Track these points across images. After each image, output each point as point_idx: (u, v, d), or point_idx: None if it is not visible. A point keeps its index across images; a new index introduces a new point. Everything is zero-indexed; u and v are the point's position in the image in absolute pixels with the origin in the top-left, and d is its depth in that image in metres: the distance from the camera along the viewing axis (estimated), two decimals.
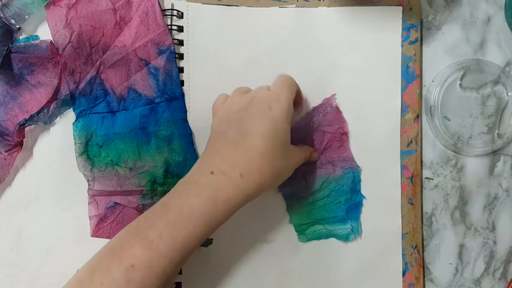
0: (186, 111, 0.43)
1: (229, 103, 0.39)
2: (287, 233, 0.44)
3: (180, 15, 0.44)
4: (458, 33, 0.46)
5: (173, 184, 0.42)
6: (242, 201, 0.35)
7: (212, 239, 0.43)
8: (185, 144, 0.43)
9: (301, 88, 0.44)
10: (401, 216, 0.44)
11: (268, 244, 0.44)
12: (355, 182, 0.44)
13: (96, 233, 0.42)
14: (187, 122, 0.43)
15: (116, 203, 0.42)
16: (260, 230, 0.44)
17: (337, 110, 0.44)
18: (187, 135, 0.43)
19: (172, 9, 0.43)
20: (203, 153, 0.37)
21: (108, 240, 0.36)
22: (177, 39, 0.44)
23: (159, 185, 0.42)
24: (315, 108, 0.44)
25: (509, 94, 0.45)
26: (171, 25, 0.43)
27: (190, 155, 0.43)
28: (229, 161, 0.35)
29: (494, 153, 0.46)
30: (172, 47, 0.43)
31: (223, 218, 0.35)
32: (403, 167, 0.45)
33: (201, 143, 0.44)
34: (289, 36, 0.45)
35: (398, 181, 0.44)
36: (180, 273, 0.43)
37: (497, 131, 0.46)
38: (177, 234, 0.33)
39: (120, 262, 0.32)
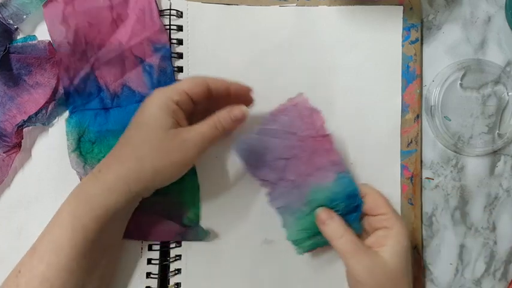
0: None
1: None
2: None
3: (180, 15, 0.43)
4: (459, 33, 0.46)
5: None
6: (107, 198, 0.35)
7: (208, 231, 0.43)
8: None
9: (300, 88, 0.44)
10: (401, 217, 0.44)
11: (268, 244, 0.44)
12: (351, 186, 0.39)
13: None
14: None
15: None
16: (260, 230, 0.44)
17: (313, 110, 0.39)
18: None
19: (171, 9, 0.43)
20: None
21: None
22: (176, 39, 0.43)
23: None
24: (283, 110, 0.40)
25: (509, 94, 0.45)
26: (170, 24, 0.43)
27: None
28: (103, 160, 0.37)
29: (495, 153, 0.46)
30: (167, 45, 0.42)
31: (90, 219, 0.34)
32: (403, 167, 0.45)
33: None
34: (289, 35, 0.44)
35: (398, 181, 0.44)
36: (180, 273, 0.43)
37: (497, 131, 0.45)
38: (51, 237, 0.34)
39: (14, 269, 0.35)
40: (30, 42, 0.42)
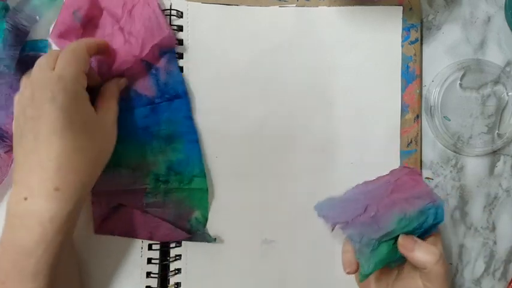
0: (190, 109, 0.43)
1: (19, 96, 0.35)
2: (287, 233, 0.44)
3: (180, 15, 0.43)
4: (458, 33, 0.46)
5: (176, 181, 0.42)
6: (71, 209, 0.33)
7: (215, 238, 0.43)
8: (187, 143, 0.43)
9: (300, 88, 0.44)
10: None
11: (268, 244, 0.44)
12: (439, 218, 0.37)
13: (100, 230, 0.42)
14: (191, 120, 0.43)
15: (120, 203, 0.42)
16: (260, 230, 0.44)
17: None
18: (190, 134, 0.43)
19: (172, 9, 0.43)
20: (14, 171, 0.34)
21: (111, 236, 0.41)
22: (176, 39, 0.43)
23: (162, 183, 0.42)
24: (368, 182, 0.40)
25: (509, 94, 0.46)
26: (171, 24, 0.43)
27: (193, 153, 0.43)
28: (37, 179, 0.32)
29: (494, 153, 0.46)
30: (173, 48, 0.42)
31: (61, 234, 0.33)
32: None
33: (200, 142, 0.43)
34: (289, 35, 0.44)
35: None
36: (180, 272, 0.43)
37: (497, 131, 0.46)
38: (22, 270, 0.32)
39: None
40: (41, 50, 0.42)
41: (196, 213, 0.43)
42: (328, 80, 0.45)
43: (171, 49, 0.42)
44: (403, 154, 0.45)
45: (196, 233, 0.43)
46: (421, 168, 0.45)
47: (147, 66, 0.42)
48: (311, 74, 0.44)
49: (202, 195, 0.43)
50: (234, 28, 0.44)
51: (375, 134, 0.45)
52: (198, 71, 0.44)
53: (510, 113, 0.46)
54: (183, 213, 0.43)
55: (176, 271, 0.43)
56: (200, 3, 0.44)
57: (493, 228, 0.46)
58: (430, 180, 0.45)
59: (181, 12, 0.43)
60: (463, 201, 0.46)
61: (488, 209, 0.46)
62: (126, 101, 0.42)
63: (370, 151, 0.45)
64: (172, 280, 0.43)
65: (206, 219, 0.43)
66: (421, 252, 0.35)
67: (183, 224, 0.42)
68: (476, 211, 0.46)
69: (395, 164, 0.44)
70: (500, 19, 0.46)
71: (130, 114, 0.42)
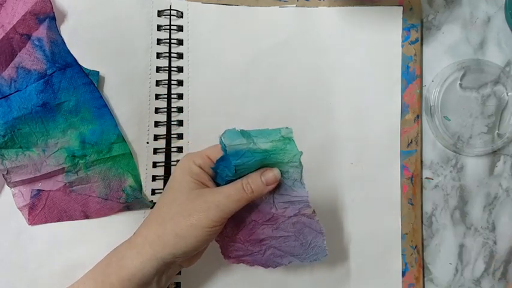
0: (86, 75, 0.41)
1: None
2: None
3: (180, 15, 0.44)
4: (458, 33, 0.46)
5: (94, 153, 0.41)
6: (134, 261, 0.34)
7: (152, 200, 0.42)
8: (96, 110, 0.41)
9: (300, 88, 0.44)
10: (401, 217, 0.44)
11: None
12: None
13: (33, 221, 0.41)
14: (92, 85, 0.41)
15: (39, 189, 0.41)
16: None
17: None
18: (95, 99, 0.41)
19: (172, 9, 0.43)
20: None
21: (47, 224, 0.41)
22: (176, 39, 0.44)
23: (80, 158, 0.41)
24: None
25: (509, 94, 0.46)
26: (171, 25, 0.43)
27: (105, 120, 0.41)
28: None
29: (494, 153, 0.46)
30: (51, 13, 0.40)
31: (117, 279, 0.34)
32: (403, 167, 0.45)
33: (197, 142, 0.43)
34: (289, 36, 0.45)
35: (398, 181, 0.45)
36: (180, 273, 0.43)
37: (497, 131, 0.46)
38: None
39: None
40: None
41: (129, 181, 0.42)
42: (328, 80, 0.45)
43: (49, 15, 0.40)
44: (403, 154, 0.45)
45: (135, 200, 0.42)
46: (421, 168, 0.45)
47: (27, 38, 0.40)
48: (311, 74, 0.45)
49: (129, 161, 0.42)
50: (234, 28, 0.44)
51: (375, 134, 0.45)
52: (197, 71, 0.44)
53: (510, 113, 0.46)
54: (114, 184, 0.42)
55: None
56: (200, 3, 0.44)
57: (493, 228, 0.46)
58: (430, 180, 0.45)
59: (181, 12, 0.44)
60: (463, 201, 0.46)
61: (488, 209, 0.46)
62: (16, 81, 0.40)
63: (370, 151, 0.45)
64: (172, 280, 0.43)
65: (140, 184, 0.42)
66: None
67: (118, 195, 0.42)
68: (476, 211, 0.46)
69: (396, 164, 0.44)
70: (500, 19, 0.46)
71: (23, 94, 0.40)
